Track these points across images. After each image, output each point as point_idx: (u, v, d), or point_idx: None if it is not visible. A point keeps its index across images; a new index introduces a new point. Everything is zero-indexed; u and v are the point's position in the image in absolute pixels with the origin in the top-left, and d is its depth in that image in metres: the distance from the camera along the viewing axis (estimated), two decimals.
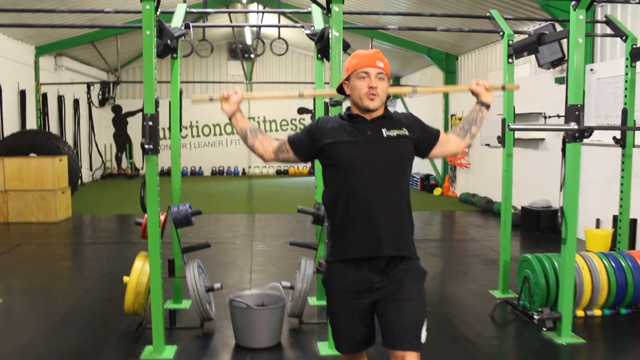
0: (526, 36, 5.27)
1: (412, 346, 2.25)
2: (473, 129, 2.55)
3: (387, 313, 2.28)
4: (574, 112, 3.74)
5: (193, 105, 2.77)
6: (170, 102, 4.52)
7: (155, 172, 3.49)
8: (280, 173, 17.47)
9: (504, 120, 4.97)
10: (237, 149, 17.36)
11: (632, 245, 5.95)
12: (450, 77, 12.79)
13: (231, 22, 11.42)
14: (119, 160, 16.57)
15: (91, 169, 15.07)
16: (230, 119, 2.51)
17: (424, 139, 2.42)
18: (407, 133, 2.33)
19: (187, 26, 4.46)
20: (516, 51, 4.64)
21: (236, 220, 9.30)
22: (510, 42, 4.76)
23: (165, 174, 16.55)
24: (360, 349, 2.42)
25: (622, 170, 5.03)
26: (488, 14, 5.01)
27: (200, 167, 16.75)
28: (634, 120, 5.03)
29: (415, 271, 2.35)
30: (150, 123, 3.40)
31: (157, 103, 3.45)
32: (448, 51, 12.55)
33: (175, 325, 4.15)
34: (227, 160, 17.14)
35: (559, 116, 7.80)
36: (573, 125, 3.62)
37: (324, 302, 4.68)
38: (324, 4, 3.60)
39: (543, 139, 8.49)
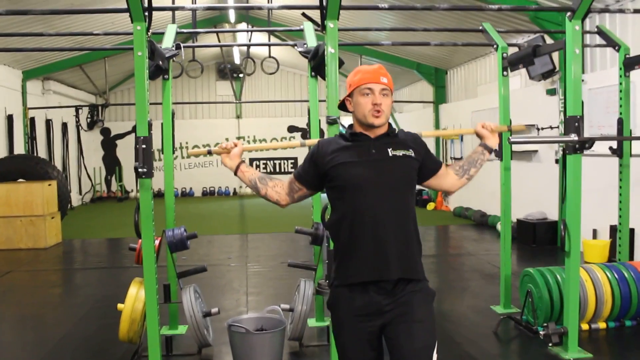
0: (516, 49, 5.27)
1: None
2: (472, 171, 2.49)
3: (397, 337, 2.20)
4: (573, 123, 3.70)
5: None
6: (162, 124, 4.45)
7: (149, 196, 3.40)
8: None
9: (500, 134, 4.92)
10: (228, 169, 17.22)
11: (630, 255, 5.90)
12: (440, 91, 12.84)
13: (219, 42, 11.41)
14: (108, 183, 16.42)
15: (80, 193, 14.89)
16: (235, 173, 2.45)
17: (426, 164, 2.36)
18: (412, 154, 2.27)
19: (177, 46, 4.40)
20: (511, 64, 4.62)
21: (229, 241, 9.19)
22: (505, 54, 4.74)
23: (157, 195, 16.43)
24: None
25: (620, 180, 5.00)
26: (481, 28, 5.00)
27: (191, 188, 16.63)
28: (630, 130, 5.01)
29: (424, 292, 2.27)
30: (144, 146, 3.32)
31: (150, 125, 3.37)
32: (437, 66, 12.60)
33: (172, 352, 4.03)
34: (217, 181, 17.04)
35: (551, 127, 7.80)
36: (573, 137, 3.59)
37: (323, 324, 4.58)
38: (318, 21, 3.55)
39: (536, 151, 8.48)
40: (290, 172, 17.74)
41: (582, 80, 7.41)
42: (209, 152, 2.53)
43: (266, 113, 17.32)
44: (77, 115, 14.05)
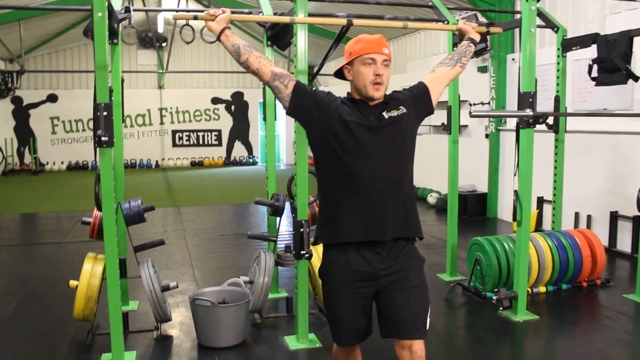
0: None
1: (420, 334, 2.24)
2: (464, 60, 2.59)
3: (392, 302, 2.24)
4: (527, 99, 3.87)
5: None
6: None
7: (110, 166, 3.23)
8: (195, 165, 17.02)
9: (449, 108, 5.09)
10: (149, 141, 16.68)
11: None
12: None
13: (145, 5, 10.87)
14: (21, 155, 15.40)
15: None
16: (219, 38, 2.35)
17: (419, 104, 2.37)
18: (405, 110, 2.29)
19: (127, 10, 4.15)
20: (462, 39, 4.71)
21: (162, 214, 8.92)
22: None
23: (78, 168, 15.61)
24: (360, 340, 2.37)
25: (556, 154, 5.29)
26: (430, 3, 5.07)
27: None
28: (565, 107, 5.30)
29: (418, 259, 2.33)
30: (105, 113, 3.13)
31: (111, 92, 3.20)
32: None
33: (128, 329, 3.88)
34: (139, 153, 16.43)
35: (482, 104, 8.12)
36: (529, 112, 3.75)
37: (278, 295, 4.59)
38: None
39: (466, 126, 8.80)
40: (214, 145, 17.40)
41: (513, 60, 7.80)
42: (195, 18, 2.43)
43: (189, 84, 16.82)
44: None
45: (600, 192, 6.32)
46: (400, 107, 2.29)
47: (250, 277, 4.16)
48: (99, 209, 3.30)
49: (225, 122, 17.42)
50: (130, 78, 16.15)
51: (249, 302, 3.77)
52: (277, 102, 3.89)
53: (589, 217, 6.46)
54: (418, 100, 2.38)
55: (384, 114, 2.24)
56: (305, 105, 2.27)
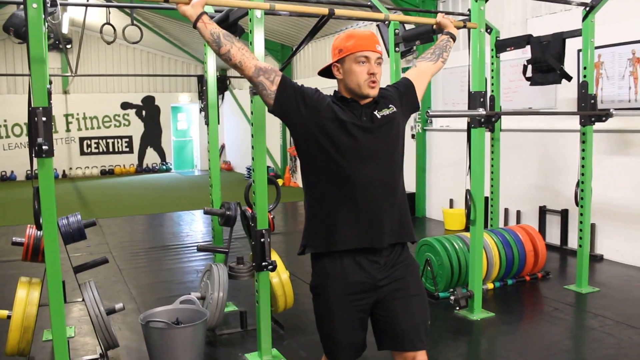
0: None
1: (423, 344, 2.15)
2: (445, 55, 2.56)
3: (393, 313, 2.12)
4: (478, 98, 3.90)
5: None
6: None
7: (51, 179, 2.88)
8: (105, 173, 16.14)
9: None
10: (55, 149, 15.55)
11: (485, 222, 6.46)
12: (286, 68, 12.84)
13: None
14: None
15: None
16: (195, 25, 2.09)
17: (406, 100, 2.28)
18: (395, 109, 2.18)
19: (53, 3, 3.75)
20: (406, 40, 4.70)
21: None
22: (397, 30, 4.83)
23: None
24: (358, 356, 2.22)
25: (492, 152, 5.42)
26: (369, 2, 5.02)
27: (12, 172, 14.69)
28: (500, 106, 5.44)
29: (414, 265, 2.23)
30: (44, 119, 2.79)
31: (49, 94, 2.85)
32: (283, 42, 12.58)
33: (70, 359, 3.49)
34: None
35: None
36: (482, 111, 3.77)
37: (227, 309, 4.34)
38: None
39: None
40: (125, 152, 16.59)
41: None
42: (166, 1, 2.13)
43: (97, 88, 15.93)
44: None
45: (528, 187, 6.56)
46: (391, 105, 2.18)
47: (202, 292, 3.89)
48: (39, 228, 2.93)
49: (136, 128, 16.67)
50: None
51: (207, 320, 3.51)
52: (211, 106, 3.62)
53: (518, 213, 6.70)
54: (405, 96, 2.30)
55: (376, 113, 2.12)
56: (293, 102, 2.09)
